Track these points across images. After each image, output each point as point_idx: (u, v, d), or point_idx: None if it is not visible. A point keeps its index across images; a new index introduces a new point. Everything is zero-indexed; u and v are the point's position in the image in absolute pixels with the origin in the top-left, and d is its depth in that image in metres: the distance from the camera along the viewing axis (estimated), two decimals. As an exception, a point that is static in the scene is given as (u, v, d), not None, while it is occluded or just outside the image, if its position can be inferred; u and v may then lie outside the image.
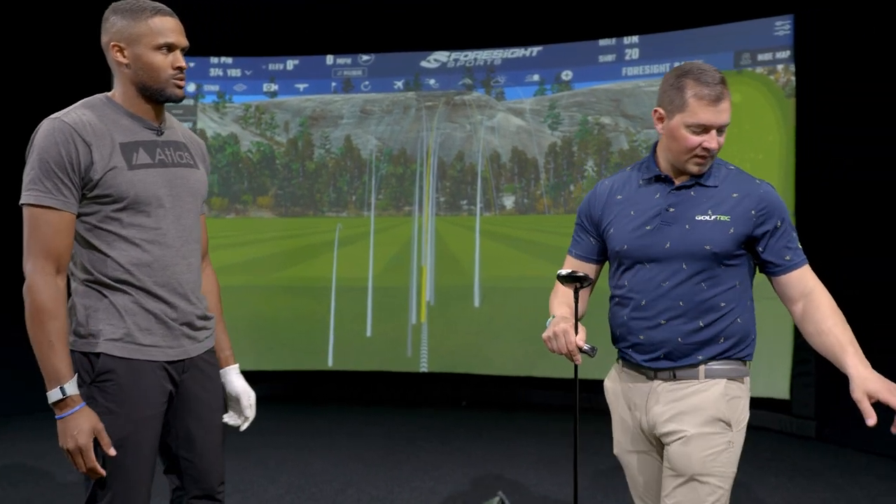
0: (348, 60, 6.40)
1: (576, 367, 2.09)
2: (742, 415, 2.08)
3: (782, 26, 5.22)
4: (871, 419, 1.80)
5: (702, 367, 2.06)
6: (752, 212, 2.04)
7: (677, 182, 2.09)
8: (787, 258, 2.06)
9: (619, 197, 2.16)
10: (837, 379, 5.02)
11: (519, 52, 6.04)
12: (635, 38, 5.75)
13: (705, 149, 2.00)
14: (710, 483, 2.02)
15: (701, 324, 2.04)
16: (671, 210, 2.07)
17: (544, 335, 2.05)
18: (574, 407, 2.19)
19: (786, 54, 5.22)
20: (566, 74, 5.96)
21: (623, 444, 2.21)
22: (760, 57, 5.31)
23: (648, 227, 2.08)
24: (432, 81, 6.26)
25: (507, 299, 6.12)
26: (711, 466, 2.02)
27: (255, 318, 6.39)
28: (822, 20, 4.97)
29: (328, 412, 5.93)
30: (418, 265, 6.27)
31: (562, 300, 2.20)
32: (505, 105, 6.14)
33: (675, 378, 2.08)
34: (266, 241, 6.56)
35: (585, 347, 2.00)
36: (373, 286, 6.34)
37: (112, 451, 1.87)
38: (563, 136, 6.02)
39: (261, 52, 6.46)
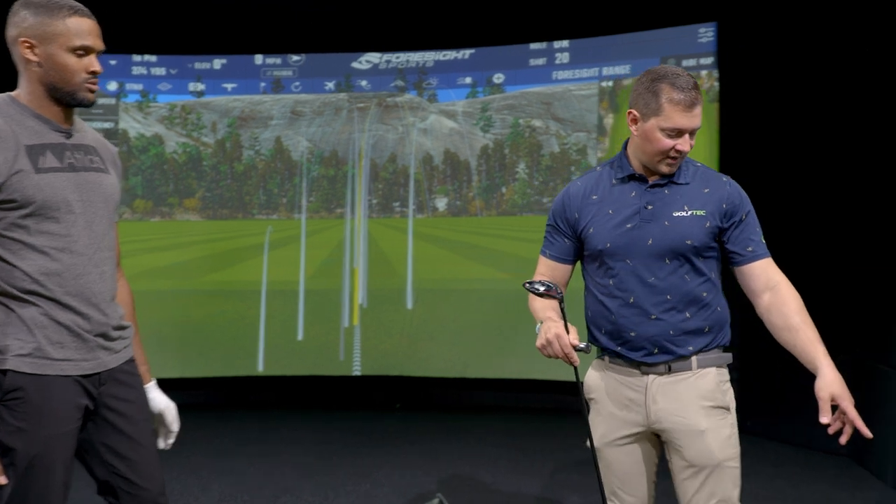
0: (278, 60, 6.31)
1: (575, 369, 2.06)
2: (732, 398, 2.18)
3: (706, 33, 5.38)
4: (826, 418, 1.94)
5: (694, 358, 2.14)
6: (724, 205, 2.14)
7: (651, 180, 2.15)
8: (750, 249, 2.14)
9: (594, 197, 2.19)
10: (760, 373, 5.18)
11: (451, 55, 6.06)
12: (565, 43, 5.83)
13: (678, 151, 2.07)
14: (731, 466, 2.13)
15: (688, 315, 2.12)
16: (649, 207, 2.14)
17: (538, 343, 2.03)
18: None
19: (709, 60, 5.38)
20: (498, 77, 6.01)
21: (608, 436, 2.20)
22: (685, 63, 5.46)
23: (629, 226, 2.13)
24: (364, 83, 6.22)
25: (440, 301, 6.12)
26: (729, 452, 2.13)
27: (183, 324, 6.24)
28: (744, 28, 5.13)
29: (260, 418, 5.83)
30: (351, 267, 6.22)
31: (544, 304, 2.17)
32: (437, 107, 6.16)
33: (670, 371, 2.14)
34: (193, 245, 6.40)
35: (581, 346, 2.01)
36: (304, 289, 6.26)
37: (3, 479, 1.78)
38: (495, 139, 6.07)
39: (187, 51, 6.31)
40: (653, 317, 2.11)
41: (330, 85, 6.26)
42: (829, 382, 1.96)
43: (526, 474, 4.42)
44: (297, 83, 6.29)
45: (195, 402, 5.78)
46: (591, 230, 2.16)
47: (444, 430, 5.45)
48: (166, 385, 2.29)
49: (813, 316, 2.10)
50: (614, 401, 2.20)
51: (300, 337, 6.23)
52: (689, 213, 2.13)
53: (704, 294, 2.14)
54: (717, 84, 5.33)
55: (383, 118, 6.19)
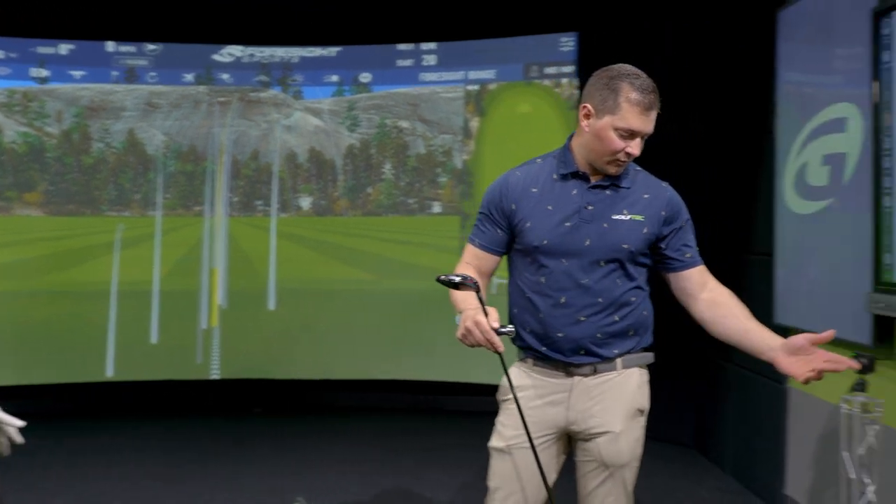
0: (132, 48, 5.98)
1: (500, 357, 1.95)
2: (647, 398, 2.23)
3: (567, 42, 5.58)
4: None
5: (619, 360, 2.14)
6: (662, 212, 2.14)
7: (593, 180, 2.11)
8: (688, 255, 2.19)
9: (533, 190, 2.12)
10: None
11: (317, 52, 5.97)
12: (433, 45, 5.88)
13: (627, 154, 2.04)
14: (635, 466, 2.20)
15: (616, 318, 2.11)
16: (589, 208, 2.09)
17: (458, 334, 1.94)
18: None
19: (571, 69, 5.58)
20: (365, 77, 5.98)
21: (517, 438, 2.14)
22: (547, 70, 5.64)
23: (568, 224, 2.08)
24: (226, 76, 6.01)
25: (303, 302, 6.02)
26: (637, 452, 2.20)
27: (21, 327, 5.81)
28: (603, 38, 5.35)
29: (110, 427, 5.50)
30: (209, 267, 6.00)
31: (464, 296, 2.03)
32: (302, 104, 6.05)
33: (595, 372, 2.14)
34: (34, 242, 5.97)
35: (503, 329, 1.93)
36: (159, 290, 5.98)
37: None
38: (362, 138, 6.03)
39: (29, 33, 5.86)
40: (582, 319, 2.09)
41: (189, 77, 6.01)
42: (789, 344, 2.02)
43: (393, 475, 4.42)
44: (154, 73, 6.00)
45: (34, 411, 5.38)
46: (529, 224, 2.10)
47: (308, 433, 5.36)
48: (4, 393, 2.11)
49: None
50: (534, 403, 2.16)
51: (154, 340, 5.95)
52: (629, 217, 2.10)
53: (633, 299, 2.14)
54: (577, 92, 5.53)
55: (246, 113, 6.01)
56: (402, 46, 5.92)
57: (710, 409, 4.77)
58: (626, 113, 1.98)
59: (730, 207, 4.57)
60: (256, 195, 6.05)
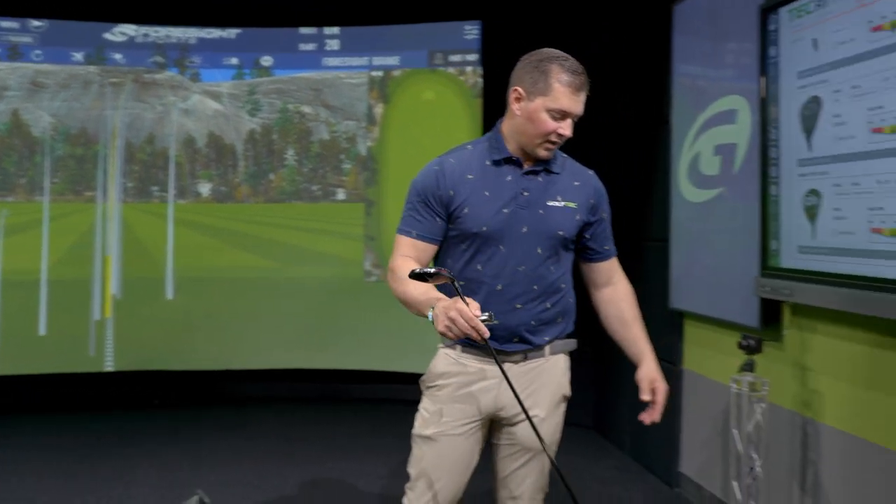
0: (15, 24, 5.64)
1: (489, 347, 1.87)
2: (569, 384, 2.26)
3: (471, 30, 5.60)
4: (647, 396, 2.15)
5: (547, 347, 2.17)
6: (591, 200, 2.18)
7: (526, 166, 2.10)
8: (606, 247, 2.26)
9: (469, 176, 2.09)
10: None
11: (216, 33, 5.78)
12: (336, 30, 5.79)
13: (559, 135, 2.03)
14: (552, 450, 2.22)
15: (549, 305, 2.13)
16: (525, 194, 2.09)
17: (441, 327, 1.83)
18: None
19: (474, 57, 5.60)
20: (266, 60, 5.83)
21: (445, 426, 2.13)
22: (452, 58, 5.64)
23: (506, 210, 2.07)
24: (118, 56, 5.75)
25: (203, 291, 5.85)
26: (557, 437, 2.27)
27: None
28: (507, 27, 5.40)
29: (-6, 422, 5.23)
30: (102, 255, 5.75)
31: (423, 289, 1.94)
32: (201, 87, 5.85)
33: (525, 359, 2.15)
34: None
35: (484, 316, 1.84)
36: (47, 279, 5.69)
37: None
38: (263, 123, 5.89)
39: None
40: (518, 306, 2.09)
41: (78, 56, 5.72)
42: (650, 370, 2.21)
43: (295, 465, 4.36)
44: (39, 52, 5.68)
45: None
46: (467, 210, 2.06)
47: (208, 425, 5.23)
48: None
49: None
50: (464, 390, 2.14)
51: (42, 331, 5.67)
52: (563, 203, 2.12)
53: (563, 285, 2.17)
54: (481, 80, 5.56)
55: (140, 95, 5.77)
56: (304, 30, 5.80)
57: (609, 391, 4.91)
58: (557, 94, 1.99)
59: (629, 196, 4.69)
60: (152, 181, 5.83)
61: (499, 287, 2.08)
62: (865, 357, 2.74)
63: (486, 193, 2.08)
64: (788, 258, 3.00)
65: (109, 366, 5.71)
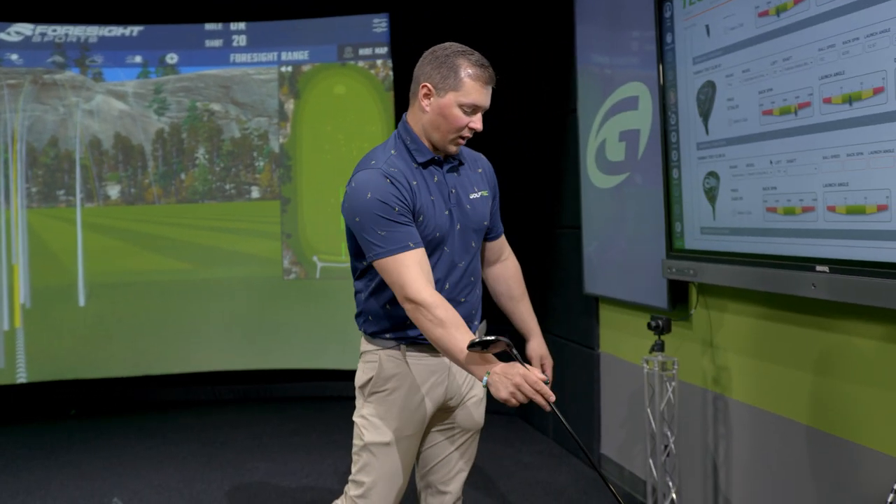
0: None
1: (554, 410, 1.80)
2: None
3: (380, 23, 5.57)
4: (552, 397, 2.09)
5: (478, 330, 2.24)
6: (493, 183, 2.25)
7: (445, 164, 2.12)
8: (500, 225, 2.33)
9: (414, 183, 2.04)
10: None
11: (117, 31, 5.59)
12: (242, 25, 5.67)
13: (471, 129, 2.03)
14: (480, 429, 2.33)
15: (477, 292, 2.20)
16: (454, 192, 2.11)
17: (504, 394, 1.76)
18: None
19: (384, 50, 5.58)
20: (171, 57, 5.68)
21: (401, 429, 2.13)
22: (362, 51, 5.60)
23: (446, 212, 2.09)
24: (14, 57, 5.51)
25: (117, 296, 5.68)
26: (484, 417, 2.34)
27: None
28: (415, 19, 5.39)
29: None
30: (9, 264, 5.53)
31: (473, 354, 1.84)
32: (104, 87, 5.65)
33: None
34: None
35: (546, 378, 1.78)
36: (-50, 291, 5.45)
37: None
38: (172, 122, 5.74)
39: None
40: (462, 300, 2.13)
41: (-28, 58, 5.47)
42: (540, 345, 2.34)
43: (217, 468, 4.29)
44: (-72, 54, 5.41)
45: None
46: (422, 218, 2.03)
47: (127, 431, 5.09)
48: None
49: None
50: (416, 390, 2.13)
51: (-52, 345, 5.43)
52: (479, 193, 2.17)
53: (480, 270, 2.25)
54: (391, 73, 5.54)
55: (40, 97, 5.55)
56: (209, 26, 5.66)
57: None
58: (468, 88, 1.99)
59: (541, 184, 4.76)
60: (58, 185, 5.62)
61: (447, 286, 2.10)
62: (765, 332, 2.85)
63: (432, 198, 2.07)
64: (692, 240, 3.08)
65: (22, 377, 5.51)
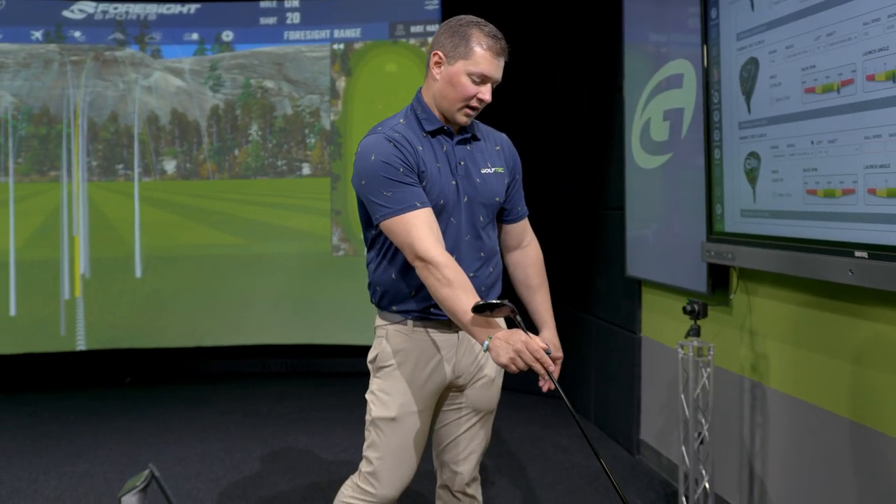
0: (-27, 4, 5.59)
1: (553, 379, 1.81)
2: None
3: (431, 1, 5.54)
4: (551, 367, 2.01)
5: None
6: (511, 163, 2.22)
7: (456, 136, 2.11)
8: (519, 208, 2.29)
9: (420, 148, 2.04)
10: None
11: (175, 9, 5.71)
12: (296, 3, 5.72)
13: (480, 100, 2.02)
14: (494, 411, 2.31)
15: (491, 269, 2.17)
16: (462, 164, 2.10)
17: (504, 359, 1.74)
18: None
19: (435, 27, 5.55)
20: (227, 35, 5.77)
21: (407, 404, 2.12)
22: (413, 29, 5.58)
23: (452, 182, 2.07)
24: (77, 34, 5.68)
25: (171, 268, 5.83)
26: (499, 399, 2.31)
27: None
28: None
29: (-36, 403, 5.24)
30: (70, 235, 5.73)
31: (479, 318, 1.83)
32: (162, 64, 5.79)
33: None
34: None
35: (548, 347, 1.78)
36: (15, 260, 5.67)
37: None
38: (226, 99, 5.84)
39: None
40: (470, 275, 2.06)
41: (37, 34, 5.65)
42: (552, 336, 2.29)
43: (258, 439, 4.38)
44: (-1, 31, 5.62)
45: None
46: (426, 183, 2.02)
47: (177, 401, 5.24)
48: None
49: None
50: (422, 365, 2.13)
51: (13, 312, 5.66)
52: (493, 169, 2.15)
53: (496, 249, 2.22)
54: (443, 51, 5.50)
55: (101, 73, 5.71)
56: (264, 4, 5.73)
57: (574, 360, 4.92)
58: (478, 57, 1.98)
59: (585, 164, 4.68)
60: (117, 159, 5.79)
61: (455, 258, 2.04)
62: (804, 319, 2.74)
63: (438, 165, 2.06)
64: (732, 222, 2.99)
65: (81, 345, 5.71)
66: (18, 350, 5.65)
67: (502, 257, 2.31)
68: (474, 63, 1.98)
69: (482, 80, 2.01)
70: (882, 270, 2.20)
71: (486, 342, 1.80)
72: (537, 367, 1.74)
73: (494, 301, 1.77)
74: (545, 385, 1.97)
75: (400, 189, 1.95)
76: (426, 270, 1.90)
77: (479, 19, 2.05)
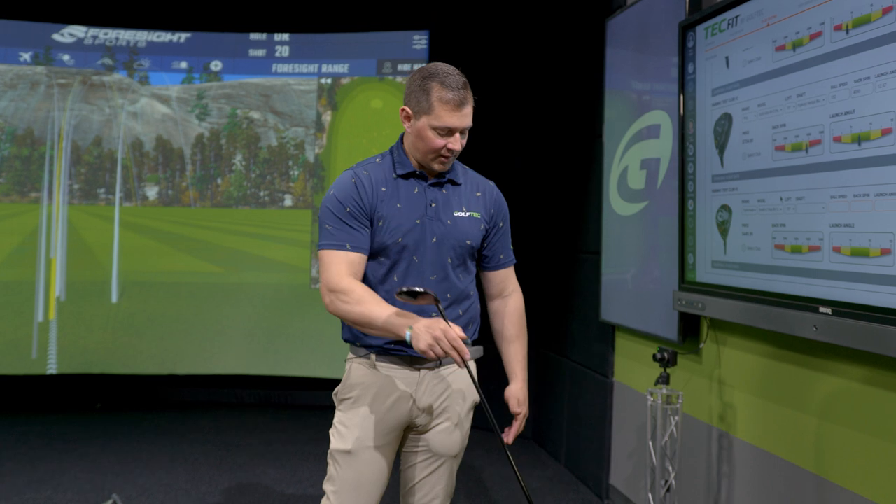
0: (-37, 24, 5.62)
1: (468, 368, 1.92)
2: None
3: (420, 40, 5.63)
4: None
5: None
6: (492, 210, 2.24)
7: (430, 178, 2.15)
8: (502, 256, 2.30)
9: (383, 189, 2.11)
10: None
11: (165, 37, 5.77)
12: (286, 36, 5.79)
13: (449, 150, 2.07)
14: (461, 456, 2.28)
15: (460, 312, 2.17)
16: (433, 205, 2.14)
17: (422, 345, 1.82)
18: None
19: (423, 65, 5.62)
20: (216, 65, 5.82)
21: (364, 438, 2.12)
22: (400, 67, 5.66)
23: (417, 221, 2.11)
24: (66, 57, 5.72)
25: (148, 294, 5.81)
26: (465, 444, 2.28)
27: None
28: (454, 37, 5.43)
29: (-71, 424, 5.16)
30: (47, 257, 5.71)
31: (389, 308, 1.95)
32: (149, 90, 5.82)
33: (440, 365, 2.18)
34: None
35: (467, 338, 1.87)
36: (-9, 280, 5.63)
37: None
38: (212, 128, 5.87)
39: None
40: (433, 315, 2.08)
41: (26, 56, 5.68)
42: (518, 390, 2.26)
43: (226, 470, 4.34)
44: (-14, 51, 5.64)
45: None
46: (382, 223, 2.09)
47: (147, 429, 5.19)
48: None
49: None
50: (381, 400, 2.14)
51: (-15, 333, 5.61)
52: (468, 213, 2.18)
53: (471, 293, 2.22)
54: (429, 90, 5.57)
55: (88, 97, 5.73)
56: (254, 36, 5.80)
57: (548, 403, 4.94)
58: (439, 112, 2.02)
59: (564, 208, 4.73)
60: (99, 183, 5.79)
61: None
62: (771, 371, 2.78)
63: (399, 205, 2.11)
64: (703, 273, 3.03)
65: (52, 369, 5.66)
66: (-12, 371, 5.59)
67: (487, 305, 2.34)
68: (437, 118, 2.03)
69: (448, 132, 2.05)
70: (845, 327, 2.24)
71: (408, 331, 1.87)
72: (454, 354, 1.82)
73: (417, 289, 1.84)
74: (508, 437, 2.11)
75: (340, 227, 2.07)
76: (337, 300, 2.00)
77: (441, 69, 2.07)
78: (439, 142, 2.05)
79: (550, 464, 4.71)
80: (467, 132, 2.11)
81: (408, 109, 2.09)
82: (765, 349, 2.80)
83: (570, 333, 4.61)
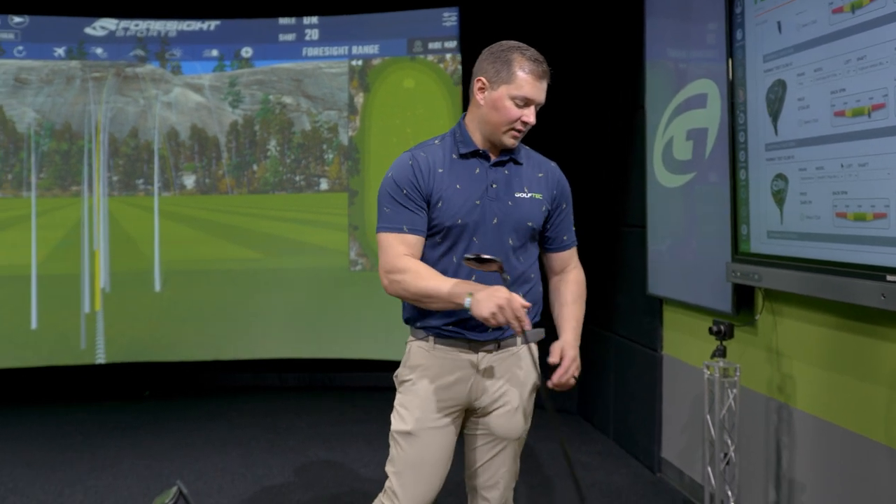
0: (-4, 21, 5.64)
1: (526, 338, 1.97)
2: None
3: (449, 17, 5.57)
4: (554, 359, 2.10)
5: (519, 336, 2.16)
6: (555, 191, 2.22)
7: (493, 158, 2.13)
8: (565, 238, 2.29)
9: (440, 170, 2.10)
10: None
11: (196, 25, 5.76)
12: (315, 19, 5.76)
13: (524, 122, 2.07)
14: (523, 438, 2.27)
15: (521, 293, 2.12)
16: (494, 186, 2.12)
17: (485, 312, 1.86)
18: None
19: (453, 44, 5.58)
20: (246, 51, 5.81)
21: (424, 420, 2.13)
22: (431, 45, 5.61)
23: (477, 202, 2.10)
24: (99, 50, 5.74)
25: (190, 282, 5.87)
26: (528, 426, 2.26)
27: None
28: (484, 13, 5.37)
29: (-14, 417, 5.27)
30: (90, 249, 5.77)
31: (447, 279, 2.00)
32: (182, 80, 5.83)
33: (499, 348, 2.17)
34: None
35: (529, 306, 1.91)
36: (37, 274, 5.72)
37: None
38: (245, 115, 5.88)
39: None
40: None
41: (60, 51, 5.71)
42: (565, 341, 2.18)
43: (278, 453, 4.39)
44: (21, 47, 5.67)
45: None
46: (441, 204, 2.08)
47: (196, 415, 5.26)
48: None
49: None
50: (440, 381, 2.15)
51: (34, 326, 5.71)
52: (529, 195, 2.16)
53: (532, 275, 2.21)
54: (461, 67, 5.54)
55: (122, 89, 5.76)
56: (283, 20, 5.77)
57: (594, 377, 4.92)
58: (521, 81, 2.03)
59: (607, 181, 4.69)
60: (137, 174, 5.83)
61: (473, 277, 2.08)
62: (832, 341, 2.74)
63: (458, 186, 2.10)
64: (758, 243, 2.99)
65: (100, 358, 5.75)
66: (40, 363, 5.69)
67: (547, 283, 2.32)
68: (517, 87, 2.03)
69: (525, 103, 2.06)
70: (914, 295, 2.20)
71: (468, 298, 1.91)
72: (515, 324, 1.86)
73: (485, 256, 1.88)
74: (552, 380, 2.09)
75: (397, 209, 2.08)
76: (396, 280, 2.04)
77: (520, 44, 2.10)
78: (516, 112, 2.05)
79: (599, 438, 4.71)
80: (537, 110, 2.11)
81: (484, 80, 2.08)
82: (826, 319, 2.76)
83: (617, 308, 4.58)
